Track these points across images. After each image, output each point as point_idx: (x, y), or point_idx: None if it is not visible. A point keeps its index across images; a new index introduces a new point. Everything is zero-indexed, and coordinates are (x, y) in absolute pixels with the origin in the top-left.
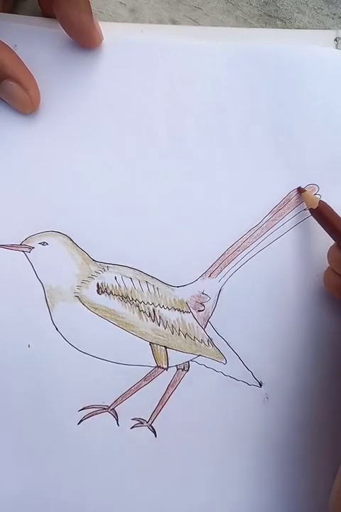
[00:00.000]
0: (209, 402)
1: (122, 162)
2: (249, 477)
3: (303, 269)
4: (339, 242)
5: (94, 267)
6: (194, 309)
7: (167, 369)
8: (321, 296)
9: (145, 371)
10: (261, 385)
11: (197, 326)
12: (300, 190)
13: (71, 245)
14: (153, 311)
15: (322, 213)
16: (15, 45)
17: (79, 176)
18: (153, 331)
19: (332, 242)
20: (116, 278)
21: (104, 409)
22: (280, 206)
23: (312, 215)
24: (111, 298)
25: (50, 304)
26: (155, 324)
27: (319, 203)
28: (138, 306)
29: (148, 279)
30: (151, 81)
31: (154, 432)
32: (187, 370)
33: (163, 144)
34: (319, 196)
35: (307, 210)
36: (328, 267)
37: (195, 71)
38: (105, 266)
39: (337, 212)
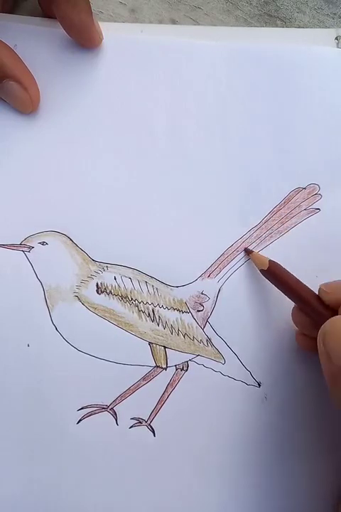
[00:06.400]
0: (208, 401)
1: (122, 162)
2: (248, 476)
3: (302, 269)
4: (298, 303)
5: (93, 267)
6: (193, 309)
7: (166, 369)
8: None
9: (144, 371)
10: (259, 385)
11: (196, 326)
12: (248, 251)
13: (71, 245)
14: (153, 311)
15: (275, 274)
16: (15, 45)
17: (79, 175)
18: (152, 330)
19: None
20: (115, 278)
21: (103, 408)
22: (280, 206)
23: (263, 276)
24: (111, 298)
25: (49, 304)
26: (154, 324)
27: (269, 263)
28: (137, 306)
29: (148, 279)
30: (151, 81)
31: (153, 431)
32: (186, 370)
33: (163, 144)
34: (320, 196)
35: (307, 211)
36: (297, 330)
37: (195, 71)
38: (105, 266)
39: (337, 212)
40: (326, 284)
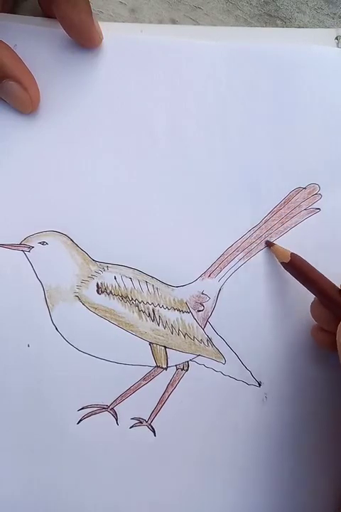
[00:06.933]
0: (209, 401)
1: (122, 162)
2: (248, 476)
3: None
4: (319, 296)
5: (93, 267)
6: (193, 309)
7: (166, 369)
8: None
9: (144, 371)
10: (260, 385)
11: (197, 326)
12: (269, 244)
13: (71, 245)
14: (153, 311)
15: (296, 267)
16: (15, 45)
17: (79, 175)
18: (152, 330)
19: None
20: (115, 278)
21: (104, 408)
22: (280, 206)
23: (285, 268)
24: (111, 298)
25: (49, 304)
26: (154, 324)
27: (291, 255)
28: (137, 306)
29: (148, 279)
30: (151, 81)
31: (153, 431)
32: (187, 370)
33: (163, 144)
34: (320, 196)
35: (307, 211)
36: (315, 325)
37: (195, 71)
38: (105, 266)
39: (338, 212)
40: None
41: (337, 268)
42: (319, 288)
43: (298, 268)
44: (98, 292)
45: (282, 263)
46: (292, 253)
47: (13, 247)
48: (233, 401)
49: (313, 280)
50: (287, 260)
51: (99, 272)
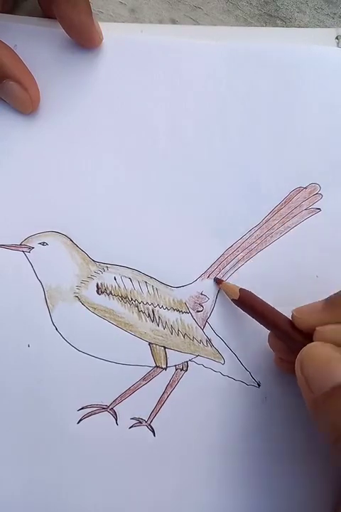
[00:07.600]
0: (208, 402)
1: (122, 162)
2: (248, 477)
3: (303, 270)
4: (272, 330)
5: (93, 267)
6: (193, 310)
7: (166, 369)
8: (320, 297)
9: (144, 371)
10: (259, 385)
11: (196, 327)
12: (218, 281)
13: (71, 245)
14: (152, 312)
15: (246, 303)
16: (15, 45)
17: (79, 175)
18: (152, 331)
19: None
20: (115, 278)
21: (103, 408)
22: (280, 206)
23: (235, 304)
24: (111, 298)
25: (49, 304)
26: (154, 324)
27: (240, 291)
28: (137, 306)
29: (148, 279)
30: (151, 81)
31: (153, 431)
32: (186, 370)
33: (163, 144)
34: (321, 196)
35: (308, 210)
36: (275, 355)
37: (195, 71)
38: (105, 266)
39: (338, 212)
40: (297, 309)
41: (338, 268)
42: (271, 323)
43: (247, 304)
44: (98, 292)
45: (232, 300)
46: (241, 289)
47: (13, 248)
48: (232, 401)
49: (264, 315)
50: (236, 297)
51: (99, 272)
